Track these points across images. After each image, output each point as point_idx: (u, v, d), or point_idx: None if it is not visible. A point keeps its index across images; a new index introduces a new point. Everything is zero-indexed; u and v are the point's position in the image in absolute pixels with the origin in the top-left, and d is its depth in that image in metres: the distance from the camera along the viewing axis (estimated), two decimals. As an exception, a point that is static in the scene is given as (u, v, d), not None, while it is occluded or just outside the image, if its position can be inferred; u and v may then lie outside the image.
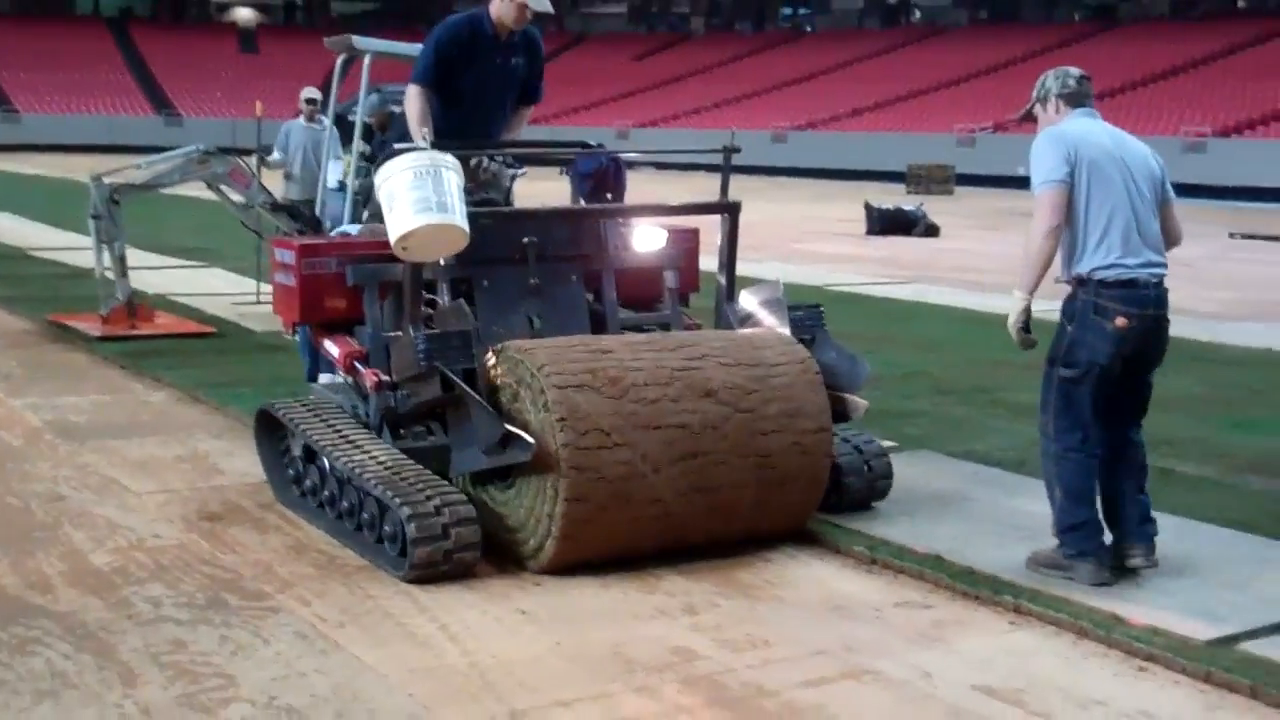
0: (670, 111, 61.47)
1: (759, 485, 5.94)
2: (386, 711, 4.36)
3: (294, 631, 5.04)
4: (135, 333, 11.66)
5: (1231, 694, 4.66)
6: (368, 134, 13.38)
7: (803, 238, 23.99)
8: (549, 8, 7.30)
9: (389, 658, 4.81)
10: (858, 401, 6.56)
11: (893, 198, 29.89)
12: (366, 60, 12.74)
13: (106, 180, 11.83)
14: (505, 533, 5.82)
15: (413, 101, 7.33)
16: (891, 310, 14.55)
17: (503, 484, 5.87)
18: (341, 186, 12.82)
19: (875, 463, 6.66)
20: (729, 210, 7.06)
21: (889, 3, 74.80)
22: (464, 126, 7.31)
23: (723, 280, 7.05)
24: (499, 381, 5.87)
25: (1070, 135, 5.68)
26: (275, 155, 14.04)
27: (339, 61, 13.33)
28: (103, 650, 4.80)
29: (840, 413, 6.44)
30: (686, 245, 7.47)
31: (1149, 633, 5.07)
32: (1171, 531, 6.22)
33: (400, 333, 6.24)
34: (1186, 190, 39.51)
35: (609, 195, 9.98)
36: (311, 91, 15.79)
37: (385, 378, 6.27)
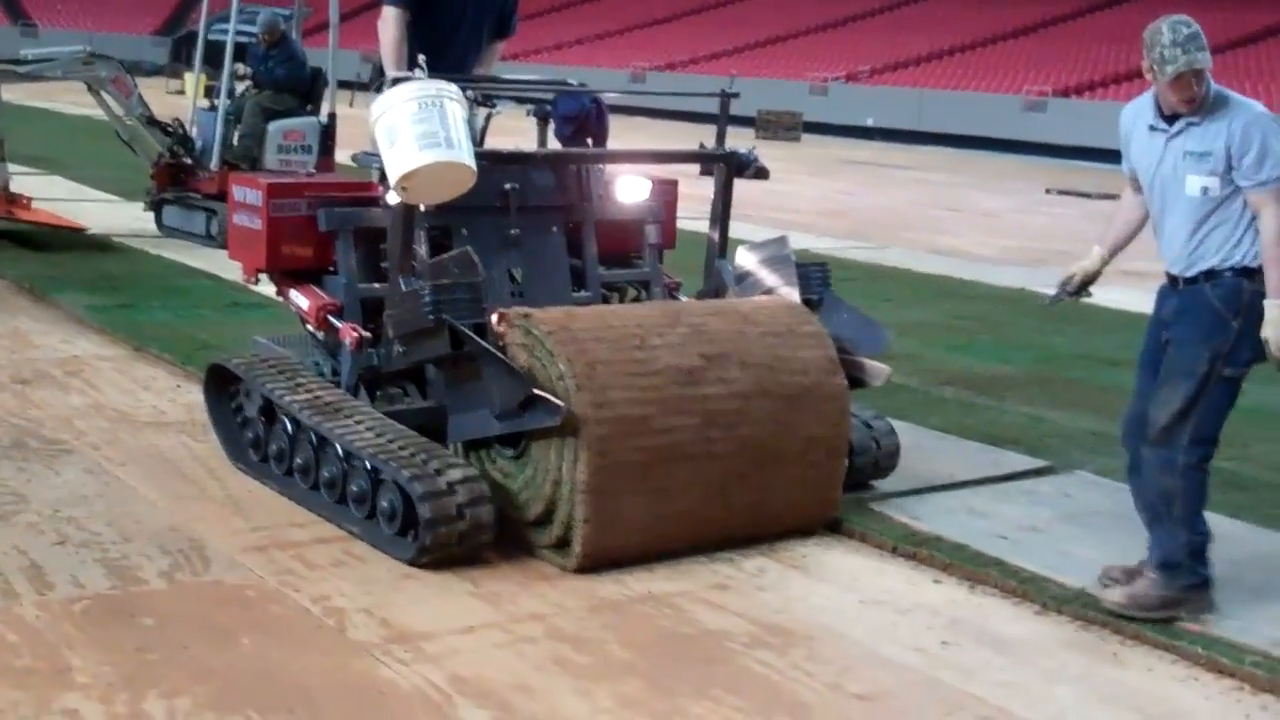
0: (530, 47, 61.93)
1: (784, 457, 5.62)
2: (150, 522, 5.39)
3: (83, 468, 6.02)
4: (9, 218, 11.87)
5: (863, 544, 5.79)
6: (240, 54, 13.95)
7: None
8: None
9: (160, 488, 5.82)
10: (879, 367, 6.17)
11: (735, 141, 30.82)
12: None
13: None
14: (523, 508, 5.34)
15: (388, 26, 6.75)
16: (689, 242, 15.62)
17: (509, 452, 5.40)
18: (214, 107, 13.37)
19: (884, 440, 6.37)
20: (726, 160, 6.60)
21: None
22: (436, 57, 6.17)
23: (715, 236, 6.62)
24: (507, 343, 5.35)
25: None
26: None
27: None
28: (-90, 475, 5.76)
29: (858, 379, 6.07)
30: (667, 197, 6.98)
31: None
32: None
33: (389, 284, 5.83)
34: (1024, 147, 41.31)
35: (589, 140, 9.66)
36: None
37: (366, 333, 5.89)
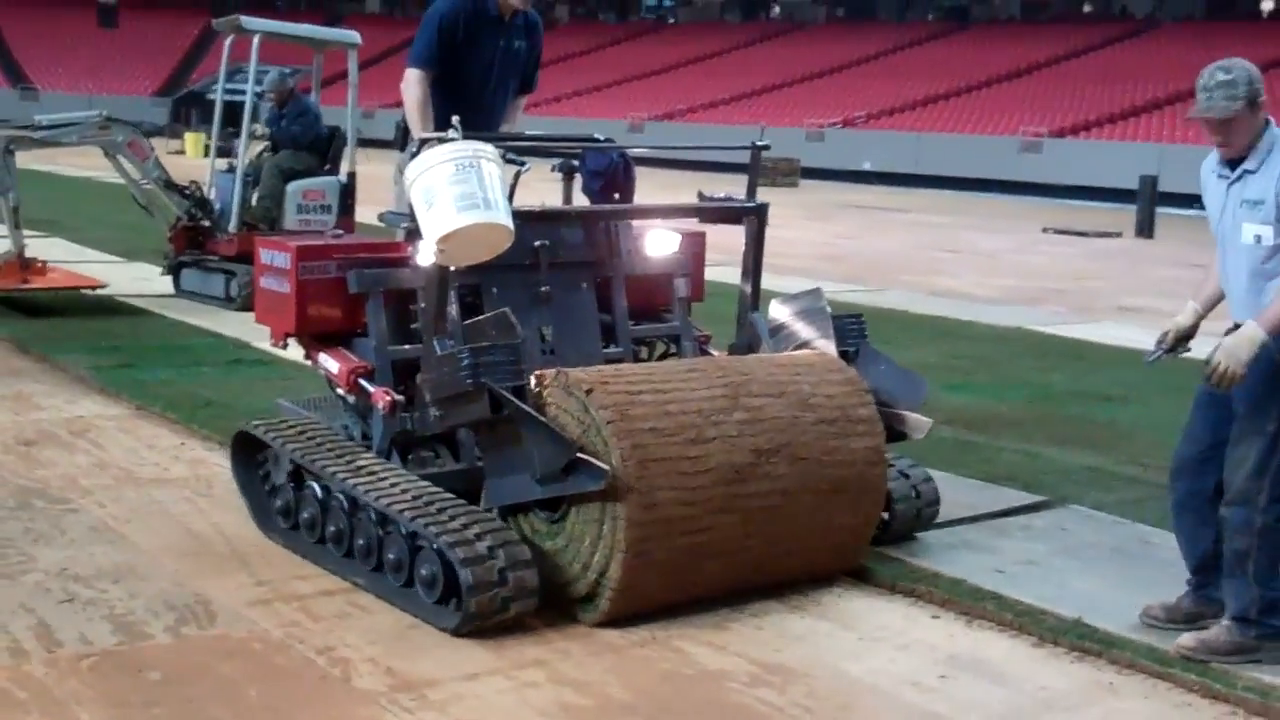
0: (530, 99, 62.17)
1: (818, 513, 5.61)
2: (156, 579, 5.45)
3: (88, 526, 6.09)
4: (27, 286, 11.90)
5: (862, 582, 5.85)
6: (255, 117, 13.93)
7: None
8: None
9: (165, 545, 5.89)
10: (920, 420, 6.21)
11: (732, 188, 30.98)
12: (255, 40, 13.21)
13: (2, 132, 12.04)
14: (551, 572, 5.24)
15: (412, 87, 6.84)
16: (710, 289, 15.73)
17: (547, 516, 5.34)
18: (231, 169, 13.26)
19: (923, 488, 6.39)
20: (757, 212, 6.47)
21: (749, -3, 76.27)
22: (466, 115, 6.02)
23: (747, 288, 6.51)
24: (548, 404, 5.31)
25: None
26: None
27: (227, 42, 13.91)
28: (-81, 537, 5.83)
29: (898, 432, 6.12)
30: (695, 250, 6.96)
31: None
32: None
33: (423, 346, 5.68)
34: (1021, 188, 41.47)
35: (617, 195, 9.33)
36: None
37: (399, 397, 5.81)
